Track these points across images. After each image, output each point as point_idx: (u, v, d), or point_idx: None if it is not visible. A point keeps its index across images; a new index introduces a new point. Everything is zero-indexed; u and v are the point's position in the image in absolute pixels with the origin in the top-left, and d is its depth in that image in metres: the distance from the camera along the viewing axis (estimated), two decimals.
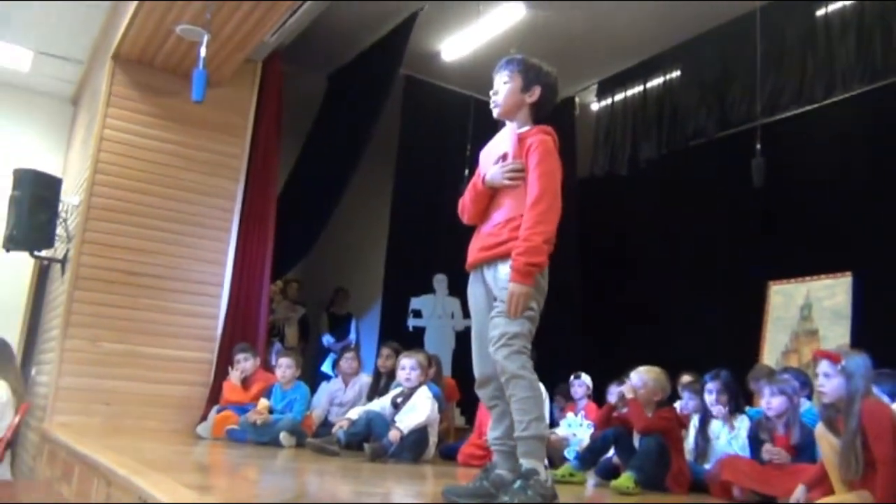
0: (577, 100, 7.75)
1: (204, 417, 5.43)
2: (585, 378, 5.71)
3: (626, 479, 3.60)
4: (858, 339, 5.73)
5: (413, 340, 6.96)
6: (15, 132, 7.50)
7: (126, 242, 5.59)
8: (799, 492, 3.10)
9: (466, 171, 6.27)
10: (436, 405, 4.67)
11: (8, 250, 5.69)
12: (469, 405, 6.67)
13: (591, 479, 4.09)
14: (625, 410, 4.09)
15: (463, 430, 6.31)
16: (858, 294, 5.94)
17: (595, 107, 7.66)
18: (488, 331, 2.58)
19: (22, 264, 6.85)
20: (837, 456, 2.92)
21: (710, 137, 6.56)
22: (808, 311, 6.44)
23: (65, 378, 5.28)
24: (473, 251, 2.70)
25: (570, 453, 4.75)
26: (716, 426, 4.21)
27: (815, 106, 5.99)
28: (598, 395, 5.76)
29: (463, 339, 7.53)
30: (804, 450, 3.69)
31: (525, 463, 2.40)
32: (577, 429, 5.20)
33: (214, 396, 5.58)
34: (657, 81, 7.04)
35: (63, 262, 5.70)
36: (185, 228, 5.80)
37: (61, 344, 5.32)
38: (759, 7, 5.87)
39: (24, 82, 7.50)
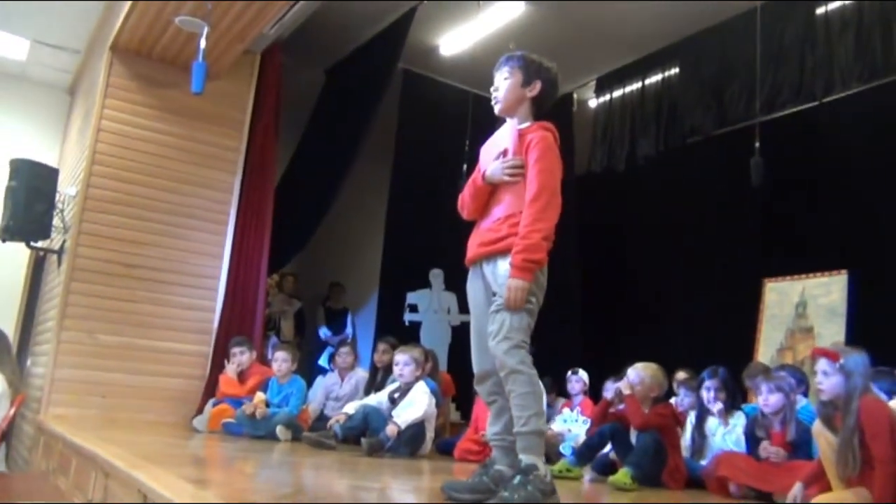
0: (575, 96, 7.74)
1: (200, 410, 5.41)
2: (582, 374, 5.72)
3: (623, 474, 3.61)
4: (853, 337, 5.75)
5: (409, 335, 6.97)
6: (11, 122, 7.45)
7: (123, 234, 5.57)
8: (796, 489, 3.11)
9: (465, 167, 6.27)
10: (433, 400, 4.67)
11: (4, 241, 5.66)
12: (464, 400, 6.68)
13: (587, 474, 4.10)
14: (621, 406, 4.10)
15: (458, 425, 6.32)
16: (853, 292, 5.94)
17: (593, 103, 7.65)
18: (487, 326, 2.58)
19: (18, 255, 6.83)
20: (835, 453, 2.93)
21: (708, 135, 6.56)
22: (804, 309, 6.45)
23: (61, 370, 5.27)
24: (473, 246, 2.70)
25: (565, 449, 4.76)
26: (712, 423, 4.22)
27: (814, 104, 5.99)
28: (593, 392, 5.77)
29: (459, 334, 7.53)
30: (800, 447, 3.72)
31: (524, 458, 2.40)
32: (572, 424, 5.22)
33: (210, 389, 5.56)
34: (655, 78, 7.03)
35: (59, 253, 5.68)
36: (182, 221, 5.78)
37: (57, 336, 5.30)
38: (759, 5, 5.87)
39: (20, 72, 7.46)
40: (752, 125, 6.15)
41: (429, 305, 7.50)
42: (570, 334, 7.52)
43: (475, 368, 2.66)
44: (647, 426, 3.82)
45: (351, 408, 4.73)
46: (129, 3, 5.00)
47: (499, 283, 2.53)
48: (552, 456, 4.52)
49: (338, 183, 6.78)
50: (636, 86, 7.17)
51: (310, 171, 6.94)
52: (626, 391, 3.96)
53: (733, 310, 6.75)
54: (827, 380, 2.97)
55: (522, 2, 6.28)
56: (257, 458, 3.77)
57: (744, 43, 6.22)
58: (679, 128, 6.73)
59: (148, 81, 5.78)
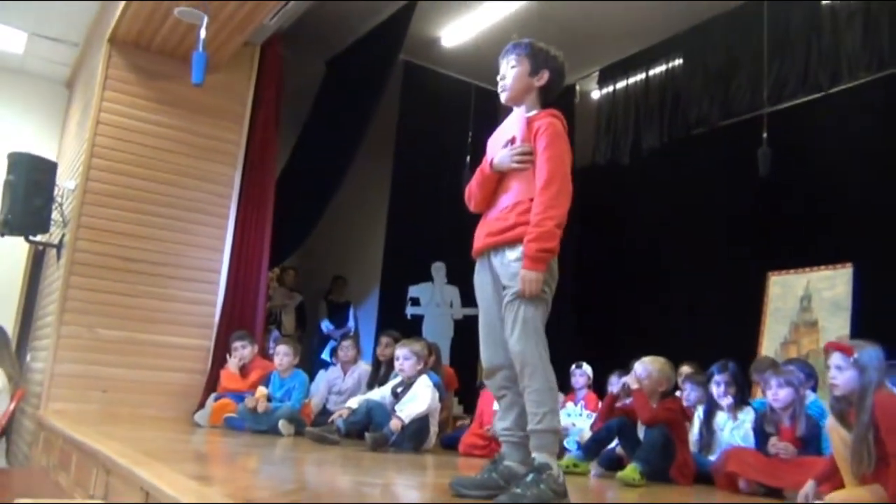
0: (577, 87, 7.68)
1: (201, 405, 5.37)
2: (586, 368, 5.67)
3: (631, 470, 3.56)
4: (858, 331, 5.70)
5: (411, 329, 6.93)
6: (9, 116, 7.40)
7: (123, 228, 5.52)
8: (809, 487, 3.06)
9: (468, 158, 6.23)
10: (436, 394, 4.62)
11: (2, 235, 5.61)
12: (467, 393, 6.64)
13: (594, 469, 4.06)
14: (628, 401, 4.06)
15: (461, 419, 6.29)
16: (859, 285, 5.89)
17: (596, 95, 7.59)
18: (497, 319, 2.53)
19: (17, 249, 6.78)
20: (849, 450, 2.88)
21: (713, 126, 6.50)
22: (808, 302, 6.40)
23: (60, 365, 5.22)
24: (480, 237, 2.64)
25: (569, 443, 4.72)
26: (721, 418, 4.17)
27: (820, 95, 5.93)
28: (597, 385, 5.73)
29: (461, 328, 7.50)
30: (810, 442, 3.67)
31: (538, 457, 2.35)
32: (576, 419, 5.18)
33: (212, 384, 5.53)
34: (660, 69, 6.97)
35: (59, 247, 5.63)
36: (182, 214, 5.73)
37: (57, 330, 5.25)
38: None
39: (17, 65, 7.39)
40: (756, 116, 6.10)
41: (431, 299, 7.46)
42: (573, 327, 7.48)
43: (485, 362, 2.61)
44: (655, 421, 3.78)
45: (354, 402, 4.68)
46: None
47: (508, 274, 2.48)
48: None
49: (339, 176, 6.73)
50: (640, 77, 7.10)
51: (311, 164, 6.89)
52: (634, 385, 3.91)
53: (737, 303, 6.70)
54: (841, 374, 2.92)
55: None
56: (260, 454, 3.73)
57: (748, 34, 6.16)
58: (684, 119, 6.67)
59: (147, 74, 5.72)
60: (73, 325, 5.29)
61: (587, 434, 4.69)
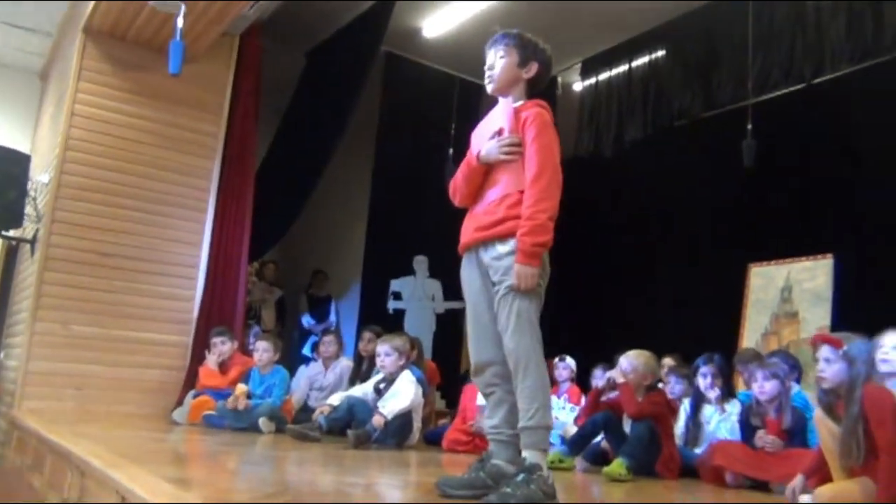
0: (559, 79, 7.63)
1: (180, 402, 5.29)
2: (570, 361, 5.63)
3: (617, 465, 3.53)
4: (838, 322, 5.72)
5: (393, 323, 6.87)
6: None
7: (98, 222, 5.41)
8: (797, 482, 3.04)
9: (451, 151, 6.16)
10: (420, 390, 4.57)
11: None
12: (449, 388, 6.60)
13: (579, 464, 4.02)
14: (613, 395, 4.02)
15: (443, 414, 6.24)
16: (839, 276, 5.91)
17: (578, 87, 7.54)
18: (486, 315, 2.48)
19: None
20: (837, 442, 2.86)
21: (696, 118, 6.48)
22: (789, 294, 6.41)
23: (34, 362, 5.11)
24: (468, 232, 2.58)
25: (552, 437, 4.67)
26: (708, 410, 4.15)
27: (802, 86, 5.92)
28: (580, 379, 5.70)
29: (443, 322, 7.45)
30: (796, 434, 3.66)
31: (529, 456, 2.31)
32: (559, 412, 5.14)
33: (190, 381, 5.44)
34: (642, 61, 6.93)
35: (32, 242, 5.50)
36: (159, 208, 5.63)
37: (31, 327, 5.14)
38: None
39: None
40: (738, 108, 6.09)
41: (413, 293, 7.40)
42: (555, 320, 7.44)
43: (473, 358, 2.55)
44: (641, 415, 3.75)
45: (336, 399, 4.61)
46: None
47: (502, 268, 2.42)
48: None
49: (320, 169, 6.64)
50: (623, 69, 7.06)
51: (291, 156, 6.80)
52: (620, 379, 3.87)
53: (719, 295, 6.70)
54: (829, 367, 2.90)
55: None
56: (240, 453, 3.66)
57: (730, 26, 6.14)
58: (667, 111, 6.64)
59: (123, 64, 5.60)
60: (48, 321, 5.18)
61: (570, 428, 4.66)
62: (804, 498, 2.99)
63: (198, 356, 5.50)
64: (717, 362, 4.18)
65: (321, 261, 8.24)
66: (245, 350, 5.81)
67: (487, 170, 2.56)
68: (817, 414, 3.04)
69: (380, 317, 6.89)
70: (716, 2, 6.26)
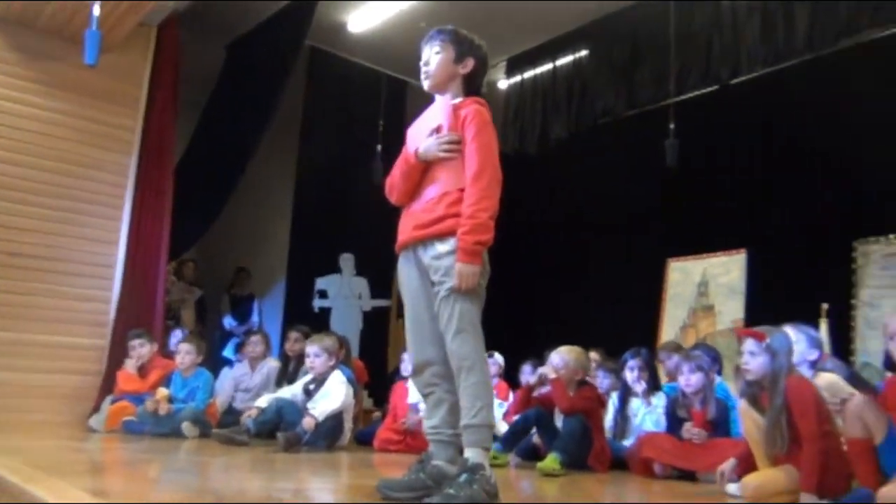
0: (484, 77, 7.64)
1: (96, 409, 5.09)
2: (498, 357, 5.67)
3: (551, 460, 3.56)
4: (752, 314, 5.95)
5: (319, 322, 6.77)
6: None
7: (7, 221, 5.17)
8: (727, 465, 3.14)
9: (379, 148, 6.10)
10: (350, 390, 4.51)
11: None
12: (376, 387, 6.55)
13: (512, 460, 4.04)
14: (544, 390, 4.06)
15: (371, 413, 6.19)
16: (751, 270, 6.14)
17: (503, 85, 7.59)
18: (425, 314, 2.46)
19: None
20: (762, 432, 2.96)
21: (619, 116, 6.61)
22: (705, 288, 6.62)
23: None
24: (405, 230, 2.54)
25: None
26: (635, 403, 4.24)
27: (719, 87, 6.10)
28: (508, 375, 5.74)
29: (370, 320, 7.38)
30: (720, 424, 3.78)
31: (471, 455, 2.29)
32: None
33: (107, 386, 5.24)
34: (566, 60, 7.02)
35: None
36: (73, 206, 5.41)
37: None
38: None
39: None
40: (660, 107, 6.24)
41: (339, 291, 7.31)
42: (483, 317, 7.48)
43: (412, 359, 2.52)
44: (573, 410, 3.79)
45: (263, 401, 4.50)
46: None
47: (443, 268, 2.40)
48: None
49: (242, 165, 6.48)
50: (547, 67, 7.14)
51: (212, 152, 6.61)
52: (552, 375, 3.91)
53: (641, 289, 6.86)
54: (753, 360, 2.99)
55: None
56: (162, 460, 3.51)
57: (653, 26, 6.28)
58: (591, 109, 6.74)
59: (32, 54, 5.34)
60: None
61: (500, 424, 4.68)
62: (730, 487, 3.08)
63: (115, 360, 5.31)
64: (644, 356, 4.28)
65: (243, 258, 8.04)
66: (165, 353, 5.62)
67: (425, 167, 2.53)
68: (742, 405, 3.13)
69: (305, 316, 6.78)
70: (638, 2, 6.40)
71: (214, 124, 6.83)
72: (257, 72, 6.60)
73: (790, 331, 3.39)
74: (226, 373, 5.79)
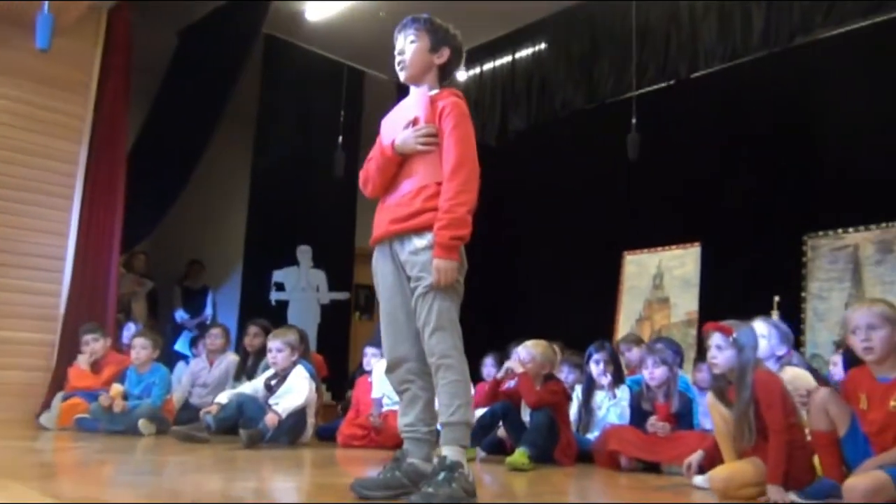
0: None
1: (46, 406, 4.91)
2: None
3: (520, 455, 3.56)
4: (705, 307, 6.06)
5: (276, 315, 6.66)
6: None
7: None
8: (696, 457, 3.17)
9: (340, 139, 6.01)
10: (313, 385, 4.44)
11: None
12: (336, 381, 6.48)
13: (479, 454, 4.03)
14: (510, 385, 4.06)
15: (330, 407, 6.13)
16: (705, 263, 6.24)
17: (462, 76, 7.55)
18: (401, 310, 2.42)
19: None
20: (730, 425, 3.00)
21: (578, 109, 6.63)
22: (660, 280, 6.71)
23: None
24: (382, 224, 2.49)
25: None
26: (599, 396, 4.27)
27: (675, 82, 6.17)
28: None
29: (328, 313, 7.30)
30: (683, 417, 3.83)
31: (449, 453, 2.26)
32: None
33: (58, 382, 5.08)
34: (526, 52, 7.03)
35: None
36: (20, 195, 5.24)
37: None
38: None
39: None
40: (619, 101, 6.29)
41: (296, 283, 7.21)
42: None
43: (387, 355, 2.48)
44: (540, 404, 3.80)
45: (223, 397, 4.40)
46: None
47: (420, 264, 2.36)
48: None
49: (195, 154, 6.33)
50: (506, 59, 7.13)
51: (164, 141, 6.43)
52: (519, 369, 3.91)
53: (599, 282, 6.92)
54: (721, 354, 3.02)
55: None
56: (118, 460, 3.40)
57: (612, 21, 6.33)
58: (550, 102, 6.76)
59: None
60: None
61: None
62: (698, 479, 3.12)
63: (65, 355, 5.16)
64: (609, 349, 4.30)
65: (197, 250, 7.87)
66: (119, 348, 5.46)
67: (401, 160, 2.49)
68: (709, 398, 3.17)
69: (261, 308, 6.66)
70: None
71: (166, 113, 6.65)
72: (211, 60, 6.44)
73: (762, 325, 3.45)
74: (182, 367, 5.66)
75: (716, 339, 3.07)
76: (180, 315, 7.53)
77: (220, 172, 7.36)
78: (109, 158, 5.65)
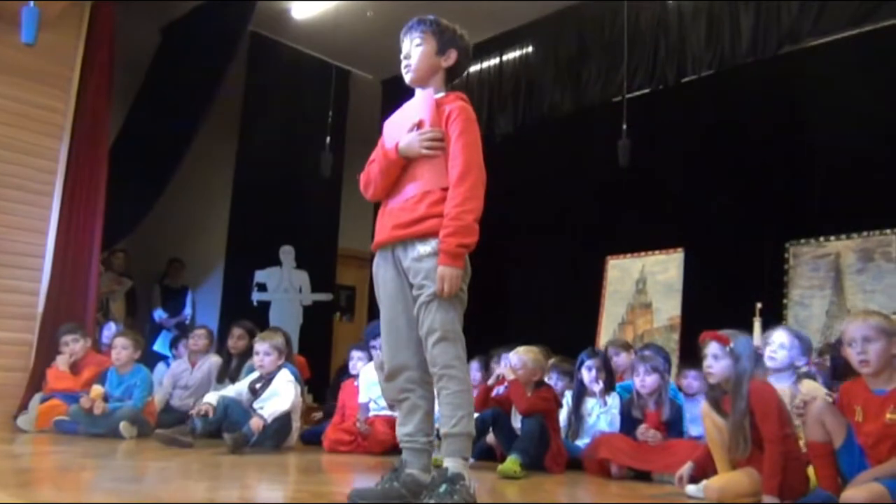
0: None
1: (24, 407, 4.80)
2: None
3: (512, 462, 3.52)
4: (688, 312, 6.08)
5: (257, 316, 6.57)
6: None
7: None
8: (686, 468, 3.16)
9: (328, 139, 5.95)
10: (299, 389, 4.38)
11: None
12: (318, 384, 6.42)
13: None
14: (501, 390, 4.03)
15: (312, 410, 6.06)
16: (688, 269, 6.26)
17: None
18: (402, 317, 2.38)
19: None
20: (724, 435, 2.99)
21: (565, 113, 6.63)
22: (643, 285, 6.72)
23: None
24: (385, 229, 2.45)
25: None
26: (589, 403, 4.25)
27: (662, 88, 6.18)
28: None
29: (310, 315, 7.22)
30: (673, 425, 3.82)
31: (451, 465, 2.22)
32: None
33: (36, 383, 4.96)
34: (513, 55, 7.01)
35: None
36: None
37: None
38: None
39: None
40: (605, 105, 6.30)
41: (279, 284, 7.13)
42: None
43: (387, 363, 2.43)
44: (532, 411, 3.77)
45: (212, 398, 4.31)
46: None
47: (424, 271, 2.32)
48: None
49: (178, 153, 6.24)
50: (493, 62, 7.11)
51: (146, 139, 6.33)
52: (510, 376, 3.88)
53: (580, 287, 6.92)
54: (717, 363, 3.02)
55: None
56: (98, 464, 3.31)
57: (601, 26, 6.33)
58: (537, 106, 6.76)
59: None
60: None
61: None
62: (691, 489, 3.11)
63: (44, 355, 5.05)
64: (601, 355, 4.29)
65: (177, 249, 7.75)
66: (98, 348, 5.35)
67: (405, 163, 2.45)
68: (704, 408, 3.16)
69: (243, 309, 6.57)
70: (584, 1, 6.43)
71: (148, 110, 6.55)
72: (195, 57, 6.35)
73: (784, 334, 3.44)
74: (162, 368, 5.56)
75: (712, 348, 3.07)
76: (159, 314, 7.42)
77: (203, 170, 7.25)
78: (91, 155, 5.54)
